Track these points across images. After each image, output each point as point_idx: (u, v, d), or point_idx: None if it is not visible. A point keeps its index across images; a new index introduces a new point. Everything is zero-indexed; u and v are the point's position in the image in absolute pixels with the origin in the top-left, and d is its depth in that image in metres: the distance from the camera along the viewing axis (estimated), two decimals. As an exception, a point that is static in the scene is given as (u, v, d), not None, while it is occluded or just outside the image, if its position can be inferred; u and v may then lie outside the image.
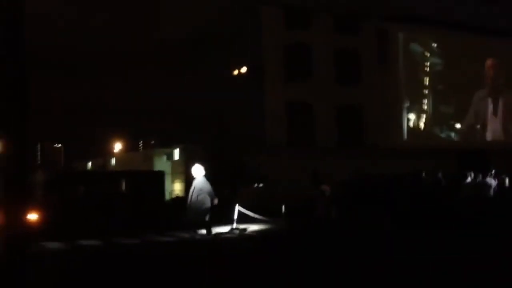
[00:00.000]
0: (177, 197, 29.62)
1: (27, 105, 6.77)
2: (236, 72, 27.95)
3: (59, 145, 62.89)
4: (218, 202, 13.34)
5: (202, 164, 13.72)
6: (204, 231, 13.22)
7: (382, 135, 26.68)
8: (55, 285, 7.42)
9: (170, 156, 39.43)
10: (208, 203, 12.94)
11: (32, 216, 16.57)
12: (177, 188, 36.46)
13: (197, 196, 12.94)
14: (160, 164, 38.58)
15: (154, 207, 21.94)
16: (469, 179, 15.41)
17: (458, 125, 31.36)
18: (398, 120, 28.79)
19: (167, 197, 29.30)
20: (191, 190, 13.23)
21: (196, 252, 11.05)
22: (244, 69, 27.58)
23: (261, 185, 21.18)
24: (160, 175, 27.48)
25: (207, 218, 13.08)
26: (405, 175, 17.04)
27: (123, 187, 24.08)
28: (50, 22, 28.09)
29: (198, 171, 13.42)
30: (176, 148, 38.55)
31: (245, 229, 14.53)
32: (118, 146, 53.42)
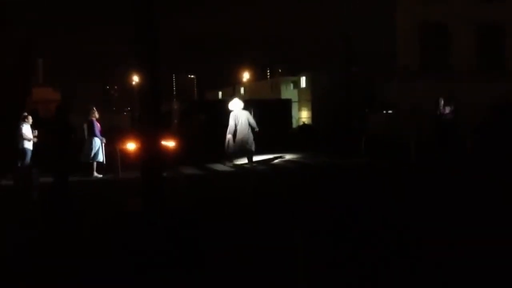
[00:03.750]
0: (304, 124, 29.78)
1: (157, 39, 6.95)
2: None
3: (193, 76, 65.60)
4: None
5: (329, 91, 13.56)
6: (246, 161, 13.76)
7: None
8: (192, 206, 7.86)
9: (296, 84, 39.42)
10: (251, 136, 13.49)
11: (170, 144, 17.73)
12: (304, 115, 36.61)
13: (241, 131, 13.45)
14: (287, 92, 38.84)
15: (282, 134, 22.39)
16: None
17: None
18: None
19: (294, 124, 29.60)
20: (232, 123, 13.55)
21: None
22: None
23: (390, 111, 20.35)
24: (287, 103, 27.74)
25: (252, 148, 13.62)
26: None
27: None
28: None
29: (236, 105, 13.82)
30: (302, 76, 38.36)
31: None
32: (246, 76, 54.56)
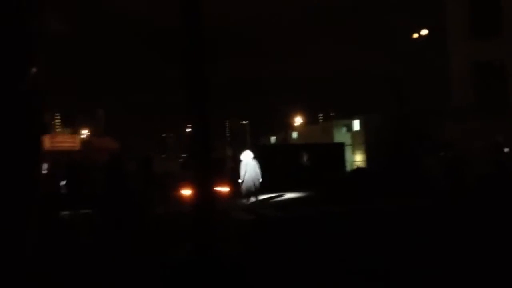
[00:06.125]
0: (358, 168, 29.39)
1: (206, 84, 7.10)
2: (416, 35, 26.41)
3: (245, 121, 66.56)
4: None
5: (382, 133, 13.47)
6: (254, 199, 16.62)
7: None
8: (243, 254, 7.85)
9: (349, 127, 39.20)
10: (258, 181, 16.51)
11: (224, 189, 17.95)
12: (358, 158, 36.20)
13: (250, 175, 16.42)
14: (340, 135, 38.61)
15: (335, 178, 22.20)
16: None
17: None
18: None
19: (348, 167, 29.25)
20: (243, 170, 16.47)
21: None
22: (424, 31, 25.93)
23: (444, 153, 19.80)
24: (341, 146, 27.57)
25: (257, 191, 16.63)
26: None
27: (305, 159, 24.78)
28: None
29: (247, 156, 16.70)
30: (355, 119, 38.16)
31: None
32: (298, 120, 54.90)
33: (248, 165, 16.60)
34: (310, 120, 55.37)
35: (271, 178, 20.84)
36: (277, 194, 19.19)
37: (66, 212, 12.70)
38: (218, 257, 6.71)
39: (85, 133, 47.37)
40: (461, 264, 6.61)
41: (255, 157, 17.17)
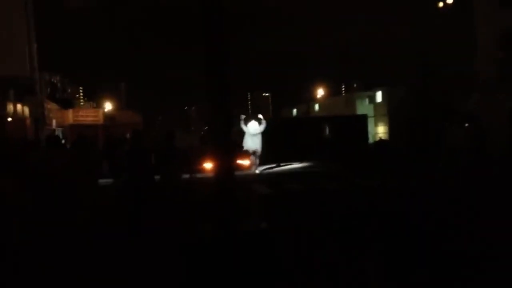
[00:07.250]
0: (381, 140, 29.14)
1: (227, 59, 7.04)
2: (441, 4, 25.71)
3: (267, 94, 66.36)
4: None
5: (405, 105, 13.15)
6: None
7: None
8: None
9: (372, 99, 38.75)
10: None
11: (245, 162, 18.05)
12: (381, 130, 35.86)
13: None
14: (363, 107, 38.22)
15: (358, 150, 22.08)
16: None
17: None
18: None
19: (371, 139, 29.01)
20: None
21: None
22: (450, 0, 25.22)
23: (467, 125, 19.43)
24: (363, 118, 27.29)
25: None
26: None
27: (327, 131, 24.64)
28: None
29: (252, 127, 17.53)
30: (378, 90, 37.68)
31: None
32: (320, 92, 54.41)
33: (250, 137, 17.64)
34: (332, 92, 54.83)
35: (293, 150, 20.83)
36: (297, 165, 19.33)
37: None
38: (241, 231, 6.73)
39: (107, 107, 47.80)
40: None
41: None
